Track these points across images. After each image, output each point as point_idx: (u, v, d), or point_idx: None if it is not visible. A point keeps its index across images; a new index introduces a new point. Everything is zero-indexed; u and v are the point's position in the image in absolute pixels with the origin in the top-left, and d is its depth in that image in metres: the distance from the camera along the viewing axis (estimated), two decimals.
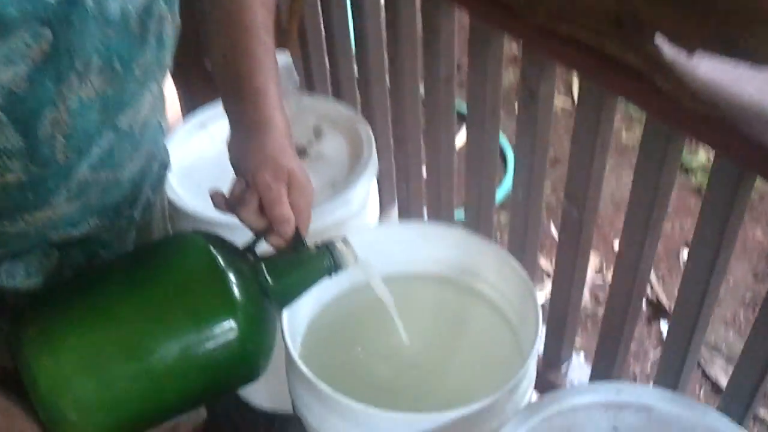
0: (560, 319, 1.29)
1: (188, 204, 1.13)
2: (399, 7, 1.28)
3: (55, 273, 0.78)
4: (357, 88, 1.58)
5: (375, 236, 1.07)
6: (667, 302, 1.87)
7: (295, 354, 0.90)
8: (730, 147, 0.86)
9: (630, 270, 1.10)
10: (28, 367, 0.65)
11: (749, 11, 0.75)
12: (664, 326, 1.83)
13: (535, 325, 0.93)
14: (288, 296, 0.78)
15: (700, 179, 2.19)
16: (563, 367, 1.39)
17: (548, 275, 1.96)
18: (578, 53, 0.95)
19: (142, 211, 0.87)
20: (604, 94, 1.00)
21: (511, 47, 2.40)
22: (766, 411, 1.64)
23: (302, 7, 1.53)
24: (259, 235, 0.78)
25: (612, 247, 2.03)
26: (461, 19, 1.22)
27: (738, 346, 1.76)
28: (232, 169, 0.81)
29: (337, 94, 1.60)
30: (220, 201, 0.80)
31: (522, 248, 1.31)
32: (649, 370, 1.76)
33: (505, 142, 2.22)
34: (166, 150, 0.92)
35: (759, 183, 0.91)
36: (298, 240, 0.77)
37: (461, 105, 1.81)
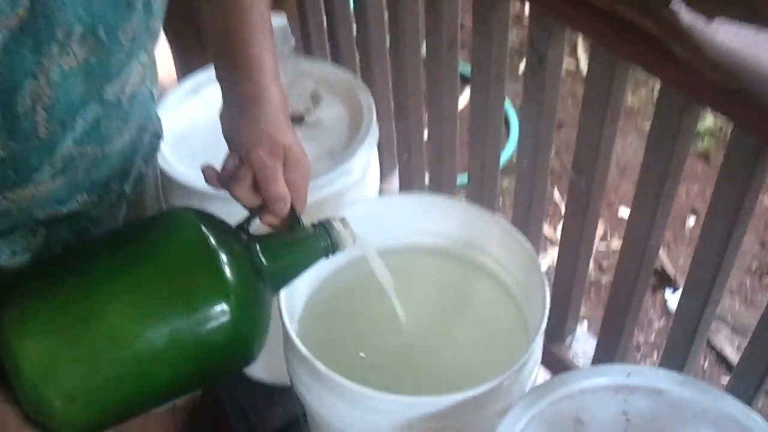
0: (565, 292, 1.26)
1: (181, 174, 1.08)
2: None
3: (42, 251, 0.74)
4: (356, 50, 1.53)
5: (375, 208, 1.04)
6: (672, 270, 1.84)
7: (292, 333, 0.87)
8: (749, 119, 0.81)
9: (639, 243, 1.07)
10: (10, 351, 0.62)
11: None
12: (668, 295, 1.80)
13: (542, 305, 0.90)
14: (283, 277, 0.74)
15: (706, 144, 2.14)
16: (567, 339, 1.36)
17: (551, 242, 1.93)
18: (590, 17, 0.91)
19: (133, 184, 0.83)
20: (616, 62, 0.95)
21: (515, 5, 2.34)
22: None
23: None
24: (253, 213, 0.74)
25: (616, 213, 2.00)
26: None
27: (744, 315, 1.74)
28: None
29: (336, 57, 1.54)
30: (212, 176, 0.76)
31: (526, 219, 1.27)
32: (653, 339, 1.73)
33: (507, 104, 2.17)
34: (159, 119, 0.88)
35: None
36: (293, 219, 0.74)
37: (464, 66, 1.76)
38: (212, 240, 0.68)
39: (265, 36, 0.77)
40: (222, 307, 0.66)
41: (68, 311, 0.64)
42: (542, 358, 0.96)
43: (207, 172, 0.76)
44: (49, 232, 0.75)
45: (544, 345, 0.95)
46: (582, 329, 1.38)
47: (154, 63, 0.78)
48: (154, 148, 0.88)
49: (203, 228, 0.69)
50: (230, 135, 0.76)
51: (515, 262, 1.00)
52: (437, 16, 1.20)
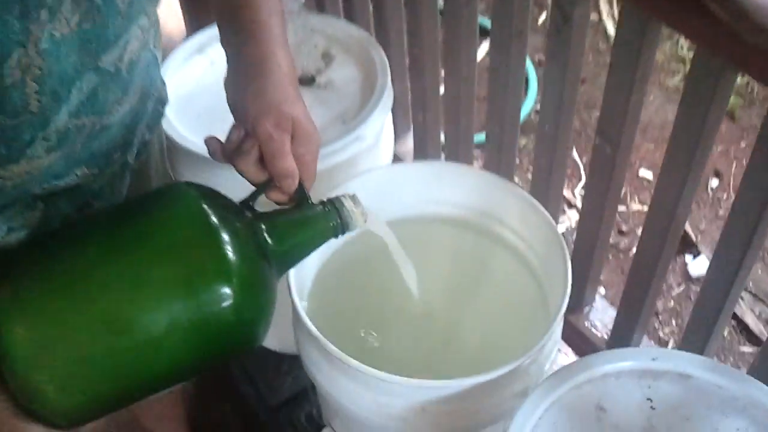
0: (585, 262, 1.21)
1: (187, 139, 1.04)
2: None
3: (41, 226, 0.71)
4: (370, 4, 1.46)
5: (388, 177, 0.99)
6: (694, 235, 1.79)
7: (302, 311, 0.83)
8: None
9: (667, 211, 1.01)
10: (0, 336, 0.58)
11: None
12: (689, 260, 1.75)
13: (563, 282, 0.85)
14: (289, 259, 0.70)
15: (732, 102, 2.06)
16: (585, 309, 1.32)
17: (569, 204, 1.88)
18: None
19: (136, 154, 0.79)
20: (647, 22, 0.89)
21: None
22: None
23: None
24: (259, 188, 0.70)
25: (636, 174, 1.94)
26: None
27: (766, 282, 1.69)
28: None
29: (349, 13, 1.48)
30: (215, 149, 0.72)
31: (546, 183, 1.22)
32: (671, 305, 1.69)
33: (527, 60, 2.09)
34: (163, 83, 0.83)
35: None
36: (301, 196, 0.69)
37: (480, 20, 1.69)
38: (214, 218, 0.64)
39: None
40: (224, 290, 0.62)
41: (61, 295, 0.61)
42: None
43: (210, 144, 0.72)
44: (48, 206, 0.71)
45: None
46: (600, 298, 1.33)
47: (156, 24, 0.73)
48: (158, 114, 0.83)
49: (204, 205, 0.64)
50: (235, 105, 0.71)
51: (535, 234, 0.95)
52: None
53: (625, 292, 1.18)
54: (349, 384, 0.82)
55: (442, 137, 1.52)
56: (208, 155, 0.92)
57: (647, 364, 0.78)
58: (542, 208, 0.92)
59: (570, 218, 1.86)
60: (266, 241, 0.67)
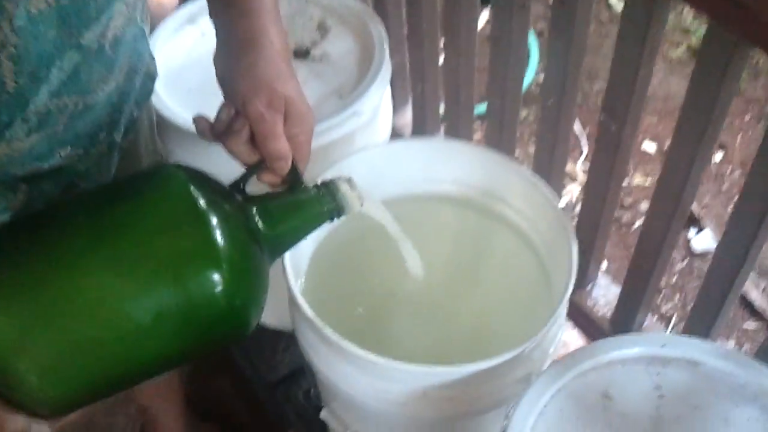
0: (589, 239, 1.18)
1: (177, 114, 1.00)
2: None
3: (25, 209, 0.67)
4: None
5: (387, 154, 0.95)
6: (698, 209, 1.76)
7: (297, 293, 0.80)
8: None
9: (674, 192, 0.98)
10: None
11: None
12: (692, 235, 1.73)
13: (568, 265, 0.82)
14: (282, 243, 0.67)
15: None
16: (588, 286, 1.29)
17: (571, 178, 1.84)
18: None
19: (124, 132, 0.76)
20: None
21: None
22: None
23: None
24: (250, 170, 0.66)
25: (639, 146, 1.90)
26: None
27: None
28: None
29: None
30: (204, 128, 0.68)
31: (549, 158, 1.18)
32: (674, 281, 1.67)
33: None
34: (152, 57, 0.80)
35: None
36: (295, 178, 0.66)
37: None
38: (202, 202, 0.60)
39: None
40: (213, 276, 0.59)
41: (42, 282, 0.58)
42: None
43: (199, 123, 0.68)
44: (31, 188, 0.67)
45: None
46: (603, 276, 1.30)
47: None
48: (147, 90, 0.80)
49: (192, 188, 0.61)
50: (224, 82, 0.67)
51: (539, 214, 0.92)
52: None
53: (629, 270, 1.15)
54: (347, 368, 0.80)
55: (442, 109, 1.48)
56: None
57: (656, 351, 0.75)
58: (546, 188, 0.89)
59: (571, 192, 1.83)
60: (257, 225, 0.64)
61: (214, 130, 0.67)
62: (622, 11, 0.91)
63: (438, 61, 1.40)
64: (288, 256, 0.83)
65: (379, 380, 0.79)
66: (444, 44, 1.31)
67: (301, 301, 0.78)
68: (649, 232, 1.08)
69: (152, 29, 1.13)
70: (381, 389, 0.79)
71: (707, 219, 1.77)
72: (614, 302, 1.25)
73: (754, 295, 1.60)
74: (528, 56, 2.03)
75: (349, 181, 0.68)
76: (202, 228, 0.59)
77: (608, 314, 1.27)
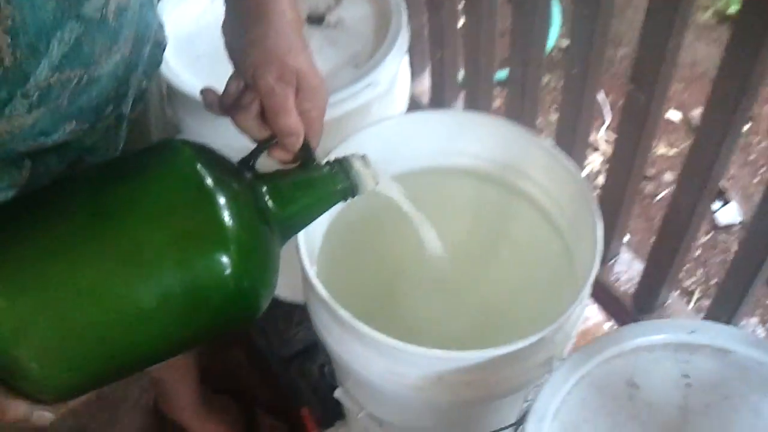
0: (612, 214, 1.14)
1: (186, 83, 0.96)
2: None
3: (30, 185, 0.65)
4: None
5: (404, 126, 0.92)
6: (724, 181, 1.71)
7: (311, 272, 0.77)
8: None
9: (704, 168, 0.94)
10: None
11: None
12: (717, 207, 1.68)
13: (592, 245, 0.79)
14: (293, 224, 0.64)
15: None
16: (610, 261, 1.25)
17: (593, 148, 1.80)
18: None
19: (133, 104, 0.72)
20: None
21: None
22: None
23: None
24: (260, 146, 0.63)
25: (663, 116, 1.85)
26: None
27: None
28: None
29: None
30: (212, 101, 0.65)
31: (573, 128, 1.13)
32: (698, 254, 1.63)
33: None
34: (161, 25, 0.76)
35: None
36: (307, 155, 0.63)
37: None
38: (209, 180, 0.57)
39: None
40: (221, 258, 0.56)
41: (42, 265, 0.55)
42: None
43: (207, 95, 0.65)
44: (36, 164, 0.65)
45: None
46: (626, 251, 1.27)
47: None
48: (156, 60, 0.76)
49: (199, 166, 0.58)
50: (233, 53, 0.64)
51: (562, 191, 0.88)
52: None
53: (653, 247, 1.12)
54: (362, 350, 0.77)
55: (461, 75, 1.43)
56: None
57: (683, 338, 0.72)
58: (571, 163, 0.85)
59: (593, 162, 1.79)
60: (267, 204, 0.61)
61: (222, 104, 0.64)
62: None
63: (457, 25, 1.36)
64: (302, 233, 0.80)
65: (394, 363, 0.76)
66: (463, 7, 1.26)
67: (316, 282, 0.75)
68: (676, 208, 1.03)
69: None
70: (396, 372, 0.76)
71: (732, 191, 1.72)
72: (636, 278, 1.22)
73: None
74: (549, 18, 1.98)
75: (364, 158, 0.64)
76: (209, 207, 0.56)
77: (630, 290, 1.23)
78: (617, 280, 1.25)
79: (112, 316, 0.55)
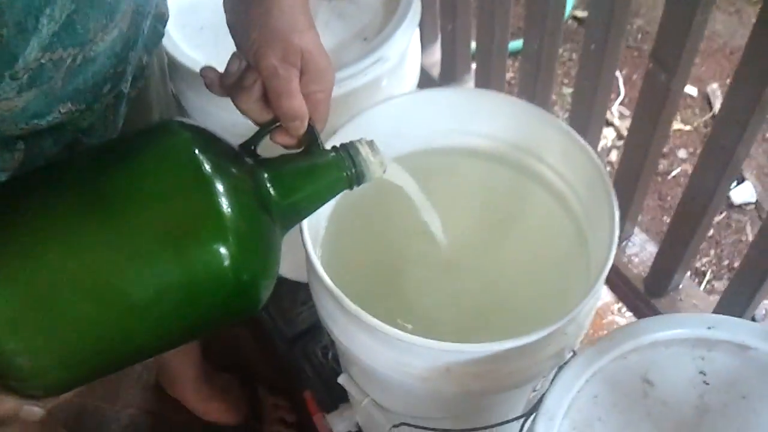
0: (627, 194, 1.11)
1: (188, 56, 0.93)
2: None
3: (23, 168, 0.62)
4: None
5: (413, 103, 0.88)
6: None
7: (316, 260, 0.74)
8: None
9: (726, 151, 0.90)
10: None
11: None
12: (732, 186, 1.64)
13: (609, 228, 0.76)
14: (296, 212, 0.61)
15: None
16: (623, 243, 1.22)
17: (606, 123, 1.76)
18: None
19: (132, 81, 0.69)
20: None
21: None
22: None
23: None
24: (263, 130, 0.60)
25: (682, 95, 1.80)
26: None
27: None
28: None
29: None
30: (212, 80, 0.62)
31: (590, 106, 1.09)
32: (711, 234, 1.59)
33: None
34: None
35: None
36: (311, 139, 0.60)
37: None
38: (208, 166, 0.54)
39: None
40: (219, 249, 0.53)
41: (32, 256, 0.52)
42: None
43: (207, 74, 0.62)
44: (30, 147, 0.62)
45: None
46: (639, 232, 1.23)
47: None
48: (157, 34, 0.73)
49: (197, 151, 0.55)
50: (235, 31, 0.60)
51: (577, 174, 0.85)
52: None
53: (669, 231, 1.08)
54: (368, 340, 0.74)
55: (473, 46, 1.39)
56: None
57: (701, 333, 0.69)
58: (587, 146, 0.81)
59: (606, 137, 1.75)
60: (269, 192, 0.58)
61: (224, 84, 0.61)
62: None
63: None
64: (306, 221, 0.77)
65: (400, 354, 0.73)
66: None
67: (321, 271, 0.72)
68: (694, 191, 1.00)
69: None
70: (403, 363, 0.74)
71: (748, 170, 1.68)
72: (649, 261, 1.19)
73: None
74: None
75: (371, 144, 0.61)
76: (207, 195, 0.54)
77: (642, 273, 1.20)
78: (629, 262, 1.23)
79: (104, 309, 0.53)
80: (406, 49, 0.96)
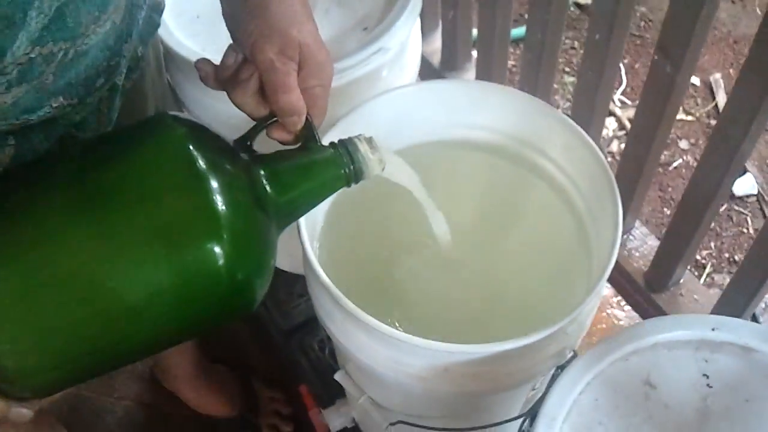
0: (629, 187, 1.10)
1: (184, 46, 0.90)
2: None
3: (13, 163, 0.60)
4: None
5: (413, 96, 0.86)
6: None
7: (313, 256, 0.73)
8: None
9: (732, 145, 0.89)
10: None
11: None
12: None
13: (613, 225, 0.74)
14: (292, 210, 0.60)
15: None
16: (624, 236, 1.21)
17: (608, 114, 1.74)
18: None
19: (128, 72, 0.67)
20: None
21: None
22: None
23: None
24: (259, 124, 0.58)
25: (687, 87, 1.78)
26: None
27: None
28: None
29: None
30: (208, 73, 0.60)
31: (592, 99, 1.08)
32: (712, 226, 1.58)
33: None
34: None
35: None
36: (309, 135, 0.58)
37: None
38: (202, 162, 0.53)
39: None
40: (213, 248, 0.52)
41: (19, 254, 0.51)
42: None
43: (201, 67, 0.60)
44: (21, 142, 0.60)
45: None
46: (640, 225, 1.22)
47: None
48: (153, 24, 0.71)
49: (190, 146, 0.53)
50: (231, 23, 0.59)
51: (580, 169, 0.83)
52: None
53: (671, 225, 1.07)
54: (365, 339, 0.73)
55: (474, 34, 1.37)
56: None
57: (705, 334, 0.68)
58: (591, 141, 0.80)
59: (607, 127, 1.73)
60: (265, 189, 0.57)
61: (219, 77, 0.59)
62: None
63: None
64: (303, 218, 0.75)
65: (398, 353, 0.72)
66: None
67: (317, 266, 0.70)
68: (698, 186, 0.99)
69: None
70: (401, 362, 0.73)
71: (750, 162, 1.67)
72: (650, 255, 1.18)
73: None
74: None
75: (370, 140, 0.60)
76: (201, 192, 0.52)
77: (643, 267, 1.19)
78: (630, 256, 1.21)
79: (92, 309, 0.51)
80: (407, 39, 0.94)
